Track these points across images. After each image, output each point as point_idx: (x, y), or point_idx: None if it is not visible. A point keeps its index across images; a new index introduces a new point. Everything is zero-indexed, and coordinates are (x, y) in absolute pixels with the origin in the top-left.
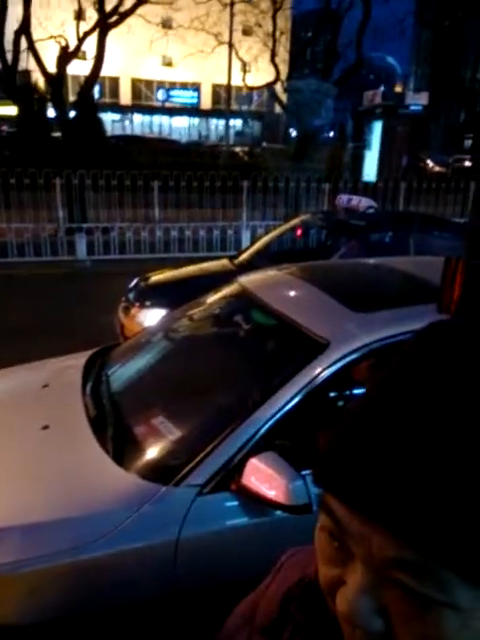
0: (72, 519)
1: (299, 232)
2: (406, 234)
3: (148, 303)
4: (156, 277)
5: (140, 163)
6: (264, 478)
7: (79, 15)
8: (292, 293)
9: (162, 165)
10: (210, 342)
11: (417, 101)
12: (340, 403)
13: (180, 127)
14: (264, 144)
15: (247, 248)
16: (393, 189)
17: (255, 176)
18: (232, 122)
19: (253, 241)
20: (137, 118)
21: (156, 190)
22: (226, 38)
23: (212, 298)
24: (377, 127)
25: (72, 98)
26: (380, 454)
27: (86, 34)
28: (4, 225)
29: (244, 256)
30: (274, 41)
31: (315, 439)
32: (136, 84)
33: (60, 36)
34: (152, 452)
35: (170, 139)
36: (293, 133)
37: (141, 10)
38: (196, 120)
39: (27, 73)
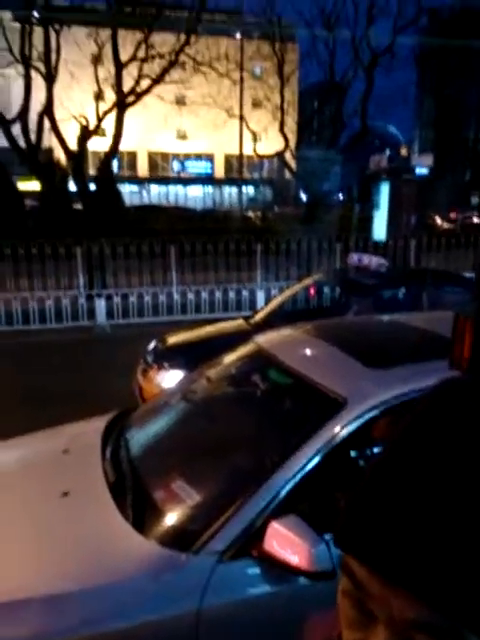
0: (90, 590)
1: (312, 291)
2: (419, 290)
3: (166, 365)
4: (173, 339)
5: (157, 230)
6: (286, 543)
7: (99, 96)
8: (308, 351)
9: (178, 231)
10: (227, 403)
11: (422, 163)
12: (360, 462)
13: (195, 196)
14: (276, 208)
15: (262, 308)
16: (403, 247)
17: (268, 239)
18: (244, 189)
19: (268, 301)
20: (154, 188)
21: (173, 255)
22: (237, 111)
23: (229, 358)
24: (385, 189)
25: (92, 172)
26: (398, 515)
27: (105, 113)
28: (26, 294)
29: (259, 316)
30: (282, 113)
31: (336, 500)
32: (152, 157)
33: (81, 115)
34: (171, 518)
35: (185, 207)
36: (303, 197)
37: (156, 89)
38: (210, 188)
39: (50, 150)
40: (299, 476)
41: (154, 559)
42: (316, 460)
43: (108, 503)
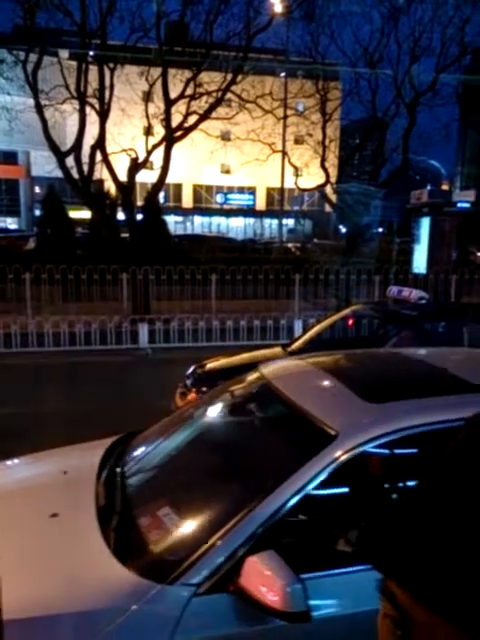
0: (65, 615)
1: (351, 322)
2: (459, 324)
3: (204, 389)
4: (212, 364)
5: (199, 259)
6: (261, 579)
7: (148, 131)
8: (308, 383)
9: (219, 261)
10: (223, 432)
11: (464, 199)
12: (349, 498)
13: (237, 226)
14: (315, 240)
15: (299, 337)
16: (444, 281)
17: (306, 269)
18: (285, 221)
19: (305, 330)
20: (197, 219)
21: (214, 283)
22: (280, 147)
23: (234, 387)
24: (425, 223)
25: (140, 203)
26: (441, 542)
27: (154, 147)
28: (74, 317)
29: (297, 344)
30: (324, 148)
31: (320, 536)
32: (197, 189)
33: (131, 149)
34: (151, 546)
35: (227, 237)
36: (343, 230)
37: (203, 125)
38: (251, 220)
39: (101, 182)
40: (282, 511)
41: (128, 588)
42: (301, 495)
43: (93, 527)
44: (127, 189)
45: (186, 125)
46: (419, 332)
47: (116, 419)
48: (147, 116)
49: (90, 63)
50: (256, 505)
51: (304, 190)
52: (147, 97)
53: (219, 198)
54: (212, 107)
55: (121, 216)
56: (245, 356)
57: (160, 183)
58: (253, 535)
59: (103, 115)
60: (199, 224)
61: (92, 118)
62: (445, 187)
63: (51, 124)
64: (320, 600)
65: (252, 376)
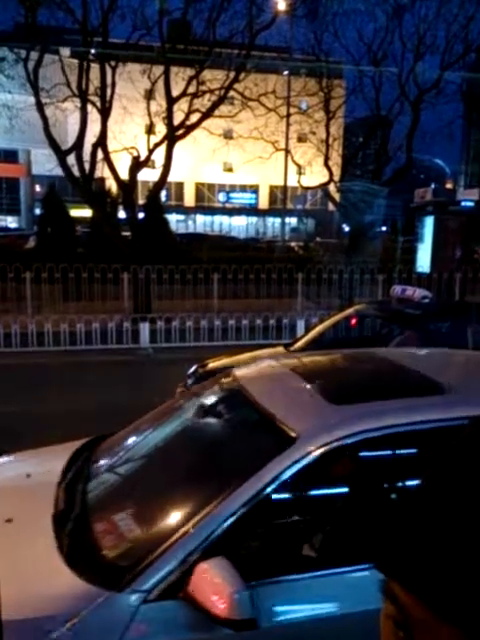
0: (13, 622)
1: (354, 321)
2: (463, 323)
3: None
4: (214, 364)
5: (201, 258)
6: (209, 586)
7: (150, 129)
8: (278, 385)
9: (222, 260)
10: (191, 436)
11: (469, 197)
12: (309, 502)
13: (239, 225)
14: (318, 239)
15: (302, 336)
16: (447, 280)
17: (309, 268)
18: (288, 220)
19: (308, 329)
20: (200, 218)
21: (215, 282)
22: (283, 145)
23: (206, 390)
24: (429, 222)
25: (141, 201)
26: (451, 544)
27: (156, 146)
28: (74, 316)
29: (299, 344)
30: (327, 146)
31: (276, 541)
32: (199, 188)
33: (132, 148)
34: (104, 552)
35: (230, 236)
36: (346, 228)
37: (205, 123)
38: (254, 219)
39: (102, 180)
40: (237, 516)
41: (77, 595)
42: (257, 499)
43: (47, 533)
44: (128, 187)
45: (188, 123)
46: (423, 331)
47: (115, 419)
48: (149, 114)
49: (91, 61)
50: (210, 510)
51: (307, 188)
52: (149, 95)
53: (221, 196)
54: (215, 105)
55: (122, 214)
56: (247, 356)
57: (162, 181)
58: (205, 541)
59: (105, 113)
60: (201, 223)
61: (93, 116)
62: (449, 185)
63: (52, 122)
64: (272, 606)
65: (225, 378)
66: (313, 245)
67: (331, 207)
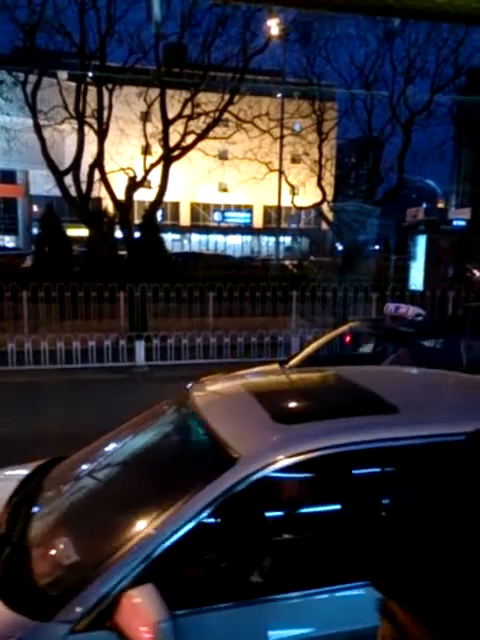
0: None
1: (348, 339)
2: (456, 340)
3: None
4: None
5: (196, 277)
6: (134, 615)
7: (146, 150)
8: (227, 404)
9: (217, 278)
10: (141, 458)
11: (460, 217)
12: (249, 525)
13: (234, 244)
14: (312, 257)
15: (297, 353)
16: (440, 298)
17: (303, 286)
18: (282, 239)
19: (302, 347)
20: (195, 237)
21: (211, 300)
22: (276, 166)
23: (161, 410)
24: (421, 241)
25: (138, 221)
26: (448, 564)
27: (152, 166)
28: (70, 334)
29: (294, 361)
30: (320, 167)
31: (210, 568)
32: (195, 207)
33: (129, 168)
34: (36, 580)
35: (225, 255)
36: (339, 247)
37: (201, 145)
38: (248, 238)
39: (99, 200)
40: (170, 542)
41: (6, 624)
42: (193, 523)
43: None
44: (125, 207)
45: (184, 144)
46: (416, 348)
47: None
48: (145, 136)
49: (89, 84)
50: (143, 536)
51: (301, 208)
52: (145, 117)
53: (217, 216)
54: (209, 127)
55: (119, 234)
56: (242, 373)
57: (158, 201)
58: (136, 568)
59: (101, 135)
60: (197, 242)
61: (90, 137)
62: (441, 205)
63: (50, 143)
64: (201, 636)
65: (180, 397)
66: (307, 264)
67: (325, 226)
